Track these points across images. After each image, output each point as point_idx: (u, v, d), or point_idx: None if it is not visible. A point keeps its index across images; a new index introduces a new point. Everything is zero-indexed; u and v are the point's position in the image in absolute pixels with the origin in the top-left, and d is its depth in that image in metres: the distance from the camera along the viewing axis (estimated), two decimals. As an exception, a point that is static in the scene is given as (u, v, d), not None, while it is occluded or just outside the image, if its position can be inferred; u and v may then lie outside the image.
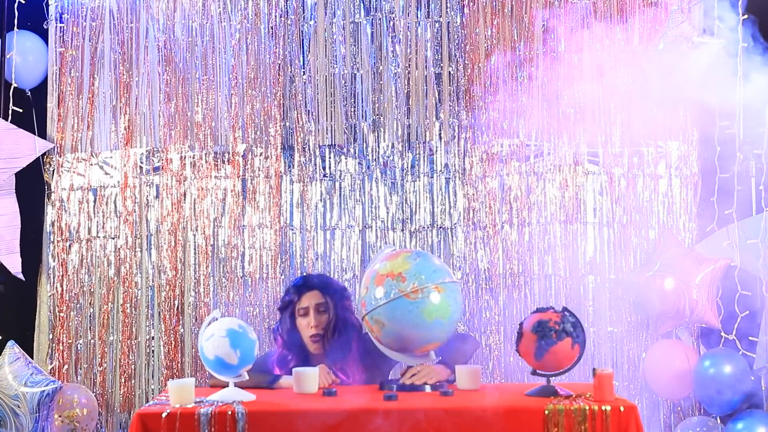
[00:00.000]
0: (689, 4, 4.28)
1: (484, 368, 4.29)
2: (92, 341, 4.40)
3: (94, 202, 4.45)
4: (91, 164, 4.45)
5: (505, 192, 4.38)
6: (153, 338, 4.41)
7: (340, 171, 4.41)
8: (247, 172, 4.44)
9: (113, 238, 4.43)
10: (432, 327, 2.85)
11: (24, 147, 4.33)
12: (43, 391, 3.82)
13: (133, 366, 4.40)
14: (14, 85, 4.37)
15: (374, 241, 4.38)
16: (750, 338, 4.05)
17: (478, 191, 4.39)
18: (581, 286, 4.34)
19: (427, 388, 2.93)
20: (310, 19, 4.45)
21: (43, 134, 4.42)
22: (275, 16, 4.46)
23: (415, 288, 2.82)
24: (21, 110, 4.38)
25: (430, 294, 2.83)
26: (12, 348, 3.90)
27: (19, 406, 3.78)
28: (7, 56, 4.36)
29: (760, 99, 3.94)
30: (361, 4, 4.44)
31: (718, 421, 4.07)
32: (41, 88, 4.47)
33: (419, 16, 4.44)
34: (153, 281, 4.42)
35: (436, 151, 4.40)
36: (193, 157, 4.45)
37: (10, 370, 3.83)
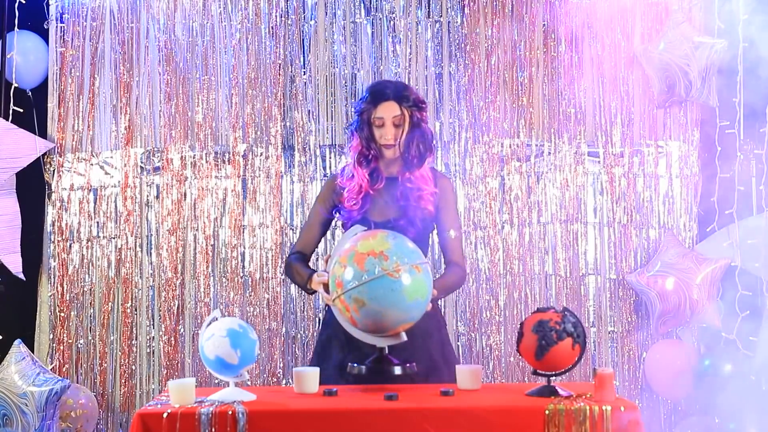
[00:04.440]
0: (690, 4, 4.28)
1: (484, 368, 4.29)
2: (92, 341, 4.40)
3: (95, 202, 4.45)
4: (92, 164, 4.46)
5: (506, 192, 4.38)
6: (153, 338, 4.41)
7: (341, 171, 4.41)
8: (247, 172, 4.44)
9: (113, 238, 4.43)
10: (411, 307, 2.83)
11: (24, 147, 4.33)
12: (52, 389, 3.83)
13: (133, 366, 4.40)
14: (15, 85, 4.37)
15: (375, 241, 4.37)
16: (750, 338, 4.05)
17: (478, 191, 4.39)
18: (581, 286, 4.34)
19: (397, 370, 2.91)
20: (311, 19, 4.46)
21: (43, 134, 4.42)
22: (276, 16, 4.46)
23: (398, 267, 2.80)
24: (21, 110, 4.38)
25: (411, 273, 2.82)
26: (18, 347, 3.91)
27: (27, 405, 3.79)
28: (8, 56, 4.35)
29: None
30: (362, 4, 4.45)
31: (716, 420, 4.07)
32: (42, 88, 4.47)
33: (419, 15, 4.44)
34: (153, 281, 4.42)
35: (437, 151, 4.40)
36: (194, 157, 4.45)
37: (17, 369, 3.84)
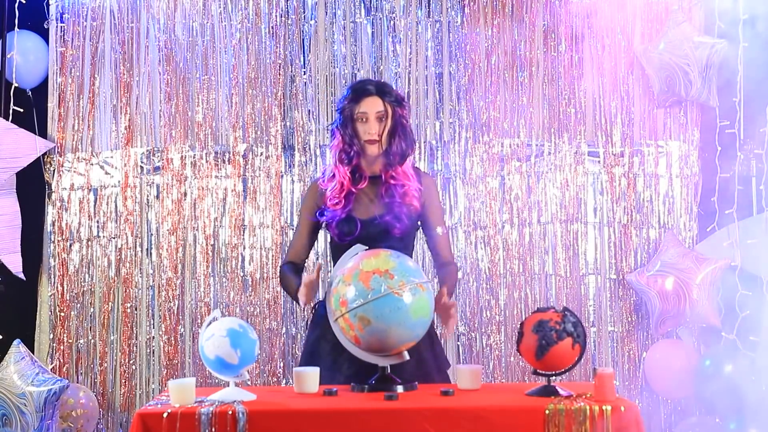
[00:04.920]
0: (689, 4, 4.28)
1: (484, 368, 4.29)
2: (93, 341, 4.40)
3: (95, 202, 4.45)
4: (92, 164, 4.46)
5: (506, 192, 4.38)
6: (153, 338, 4.41)
7: (341, 171, 4.40)
8: (247, 171, 4.44)
9: (114, 238, 4.43)
10: (415, 325, 2.84)
11: (24, 147, 4.33)
12: (50, 389, 3.83)
13: (133, 366, 4.40)
14: (15, 84, 4.37)
15: (375, 240, 4.37)
16: (751, 338, 4.05)
17: (478, 191, 4.39)
18: (581, 286, 4.34)
19: (400, 389, 2.90)
20: (311, 19, 4.46)
21: (43, 134, 4.42)
22: (276, 15, 4.46)
23: (403, 285, 2.81)
24: (21, 110, 4.38)
25: (416, 292, 2.82)
26: (17, 347, 3.91)
27: (26, 405, 3.79)
28: (8, 56, 4.36)
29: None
30: (362, 4, 4.44)
31: (717, 420, 4.08)
32: (42, 88, 4.47)
33: (420, 15, 4.44)
34: (153, 281, 4.42)
35: (437, 150, 4.40)
36: (194, 157, 4.45)
37: (16, 369, 3.84)
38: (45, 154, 4.41)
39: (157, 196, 4.45)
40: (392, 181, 3.22)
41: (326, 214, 3.25)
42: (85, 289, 4.42)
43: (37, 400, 3.81)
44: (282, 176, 4.44)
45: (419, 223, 3.30)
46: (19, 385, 3.81)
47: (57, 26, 4.45)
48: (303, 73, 4.45)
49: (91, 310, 4.42)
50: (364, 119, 3.19)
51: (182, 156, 4.44)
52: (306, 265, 3.41)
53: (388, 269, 2.81)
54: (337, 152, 3.25)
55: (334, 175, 3.25)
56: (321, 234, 4.35)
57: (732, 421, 3.99)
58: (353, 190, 3.22)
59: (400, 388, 2.88)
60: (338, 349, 3.06)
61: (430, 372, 3.19)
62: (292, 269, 3.30)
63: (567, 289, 4.35)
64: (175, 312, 4.41)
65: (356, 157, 3.22)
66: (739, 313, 4.07)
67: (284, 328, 4.40)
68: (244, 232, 4.42)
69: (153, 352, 4.41)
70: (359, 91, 3.22)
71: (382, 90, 3.22)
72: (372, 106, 3.19)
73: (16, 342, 3.93)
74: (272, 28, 4.46)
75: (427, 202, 3.27)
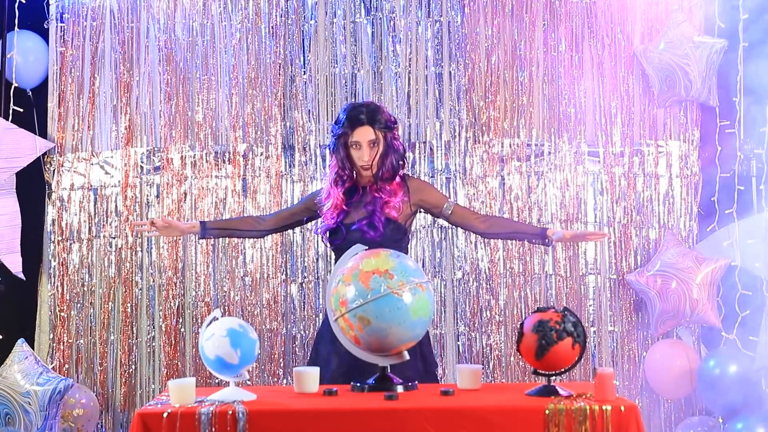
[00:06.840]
0: (689, 4, 4.29)
1: (484, 368, 4.30)
2: (93, 341, 4.40)
3: (95, 201, 4.45)
4: (92, 164, 4.46)
5: (506, 192, 4.38)
6: (153, 338, 4.41)
7: (341, 171, 4.40)
8: (247, 171, 4.44)
9: (114, 238, 4.43)
10: (415, 325, 2.85)
11: (24, 146, 4.33)
12: (55, 388, 3.84)
13: (133, 366, 4.40)
14: (15, 84, 4.37)
15: (375, 240, 4.37)
16: (750, 338, 4.05)
17: (478, 191, 4.39)
18: (581, 286, 4.34)
19: (399, 389, 2.90)
20: (311, 19, 4.46)
21: (43, 134, 4.42)
22: (276, 15, 4.46)
23: (403, 285, 2.82)
24: (21, 110, 4.38)
25: (416, 292, 2.84)
26: (21, 346, 3.91)
27: (30, 403, 3.80)
28: (8, 56, 4.36)
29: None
30: (362, 4, 4.44)
31: (720, 420, 4.07)
32: (42, 88, 4.47)
33: (420, 15, 4.44)
34: (153, 281, 4.42)
35: (437, 150, 4.40)
36: (194, 157, 4.45)
37: (19, 368, 3.84)
38: (45, 154, 4.41)
39: (157, 196, 4.45)
40: (376, 194, 3.40)
41: (321, 221, 3.50)
42: (85, 289, 4.42)
43: (42, 399, 3.81)
44: (282, 176, 4.44)
45: (407, 233, 3.46)
46: (23, 384, 3.82)
47: (57, 26, 4.45)
48: (303, 73, 4.45)
49: (91, 310, 4.42)
50: (357, 146, 3.38)
51: (182, 156, 4.44)
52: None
53: (387, 269, 2.83)
54: (333, 175, 3.46)
55: (329, 194, 3.46)
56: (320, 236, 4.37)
57: (729, 421, 3.99)
58: (345, 208, 3.42)
59: (400, 388, 2.89)
60: (331, 347, 3.21)
61: (413, 364, 3.20)
62: (249, 217, 3.85)
63: (567, 289, 4.35)
64: (175, 312, 4.41)
65: (349, 180, 3.43)
66: (739, 313, 4.07)
67: (284, 328, 4.40)
68: (244, 232, 4.42)
69: (153, 352, 4.41)
70: (352, 120, 3.39)
71: (372, 119, 3.39)
72: (364, 135, 3.37)
73: (20, 341, 3.93)
74: (272, 28, 4.46)
75: (423, 196, 3.48)
